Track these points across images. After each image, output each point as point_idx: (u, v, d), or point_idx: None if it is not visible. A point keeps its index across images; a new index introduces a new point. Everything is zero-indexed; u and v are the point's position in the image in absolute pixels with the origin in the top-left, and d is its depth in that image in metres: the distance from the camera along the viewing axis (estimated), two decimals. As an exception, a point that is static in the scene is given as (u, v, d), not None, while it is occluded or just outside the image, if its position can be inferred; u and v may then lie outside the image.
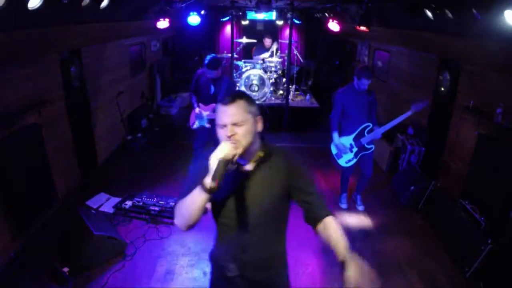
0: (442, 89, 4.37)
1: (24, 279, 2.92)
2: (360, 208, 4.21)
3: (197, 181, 1.42)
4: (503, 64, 3.25)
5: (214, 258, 1.76)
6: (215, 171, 1.33)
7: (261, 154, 1.56)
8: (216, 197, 1.48)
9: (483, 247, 3.05)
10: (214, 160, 1.35)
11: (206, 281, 3.06)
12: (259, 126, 1.53)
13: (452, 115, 4.19)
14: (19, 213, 3.21)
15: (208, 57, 4.04)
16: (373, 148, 3.88)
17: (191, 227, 1.47)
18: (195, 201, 1.40)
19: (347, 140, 3.84)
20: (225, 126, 1.44)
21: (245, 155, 1.49)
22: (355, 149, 3.85)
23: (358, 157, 3.88)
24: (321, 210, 1.56)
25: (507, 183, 3.19)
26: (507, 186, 3.19)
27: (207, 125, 4.31)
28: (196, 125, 4.44)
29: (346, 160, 3.90)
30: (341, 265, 1.38)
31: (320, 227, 1.54)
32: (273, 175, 1.55)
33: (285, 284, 1.79)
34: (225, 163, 1.34)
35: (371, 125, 3.79)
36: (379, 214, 4.15)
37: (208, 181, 1.35)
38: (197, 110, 4.32)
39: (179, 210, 1.49)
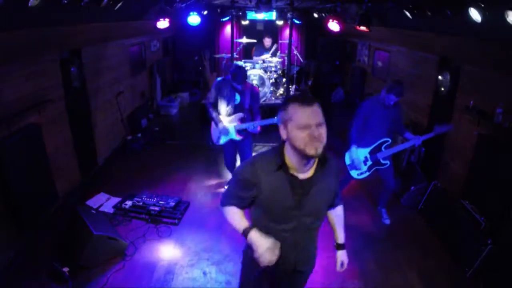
0: (442, 89, 4.37)
1: (24, 279, 2.92)
2: (387, 221, 4.02)
3: (243, 192, 1.59)
4: (503, 64, 3.25)
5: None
6: (257, 251, 1.49)
7: (318, 160, 1.56)
8: (277, 205, 1.54)
9: (483, 247, 3.05)
10: (262, 250, 1.48)
11: (206, 281, 3.07)
12: None
13: (452, 115, 4.19)
14: (19, 213, 3.21)
15: (234, 67, 3.72)
16: (388, 164, 3.72)
17: None
18: (237, 229, 1.63)
19: (363, 153, 3.71)
20: (308, 127, 1.38)
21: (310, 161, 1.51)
22: (369, 163, 3.72)
23: (371, 171, 3.76)
24: (337, 199, 1.88)
25: (507, 183, 3.19)
26: (507, 186, 3.19)
27: (238, 137, 3.92)
28: (222, 140, 3.99)
29: (358, 172, 3.79)
30: (335, 246, 1.97)
31: (331, 211, 1.92)
32: (328, 180, 1.61)
33: (311, 271, 1.95)
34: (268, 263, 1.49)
35: (390, 140, 3.66)
36: (379, 215, 4.15)
37: (250, 234, 1.54)
38: (221, 125, 3.85)
39: (226, 215, 1.70)
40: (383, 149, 3.66)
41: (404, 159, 4.92)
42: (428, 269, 3.31)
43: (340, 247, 1.95)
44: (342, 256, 1.95)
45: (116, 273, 3.08)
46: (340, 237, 1.95)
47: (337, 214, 1.92)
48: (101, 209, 3.99)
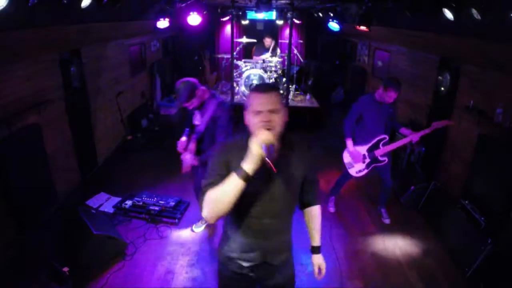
0: (442, 89, 4.37)
1: (24, 279, 2.93)
2: (386, 221, 4.02)
3: (222, 169, 1.52)
4: (503, 64, 3.25)
5: (227, 253, 1.74)
6: (256, 156, 1.36)
7: (284, 144, 1.61)
8: (251, 189, 1.48)
9: (483, 247, 3.06)
10: (255, 145, 1.37)
11: (206, 281, 3.07)
12: (286, 117, 1.57)
13: (452, 115, 4.19)
14: (19, 213, 3.21)
15: (178, 82, 2.96)
16: (386, 161, 3.73)
17: (218, 218, 1.49)
18: (231, 189, 1.41)
19: (361, 150, 3.72)
20: (260, 112, 1.47)
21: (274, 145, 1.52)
22: (367, 160, 3.73)
23: (369, 168, 3.77)
24: (315, 196, 1.84)
25: (507, 183, 3.19)
26: (507, 186, 3.19)
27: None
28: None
29: (357, 170, 3.80)
30: (311, 249, 1.88)
31: (307, 210, 1.86)
32: (297, 165, 1.63)
33: (292, 265, 1.90)
34: (267, 148, 1.37)
35: (387, 137, 3.66)
36: (379, 214, 4.15)
37: (247, 166, 1.38)
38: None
39: (209, 201, 1.46)
40: (380, 146, 3.67)
41: (404, 159, 4.92)
42: (428, 269, 3.31)
43: (315, 250, 1.88)
44: (318, 260, 1.87)
45: (116, 273, 3.08)
46: (316, 240, 1.88)
47: (312, 215, 1.85)
48: (101, 209, 3.99)
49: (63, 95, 4.06)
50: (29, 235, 3.36)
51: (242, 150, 1.44)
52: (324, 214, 4.16)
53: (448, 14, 3.00)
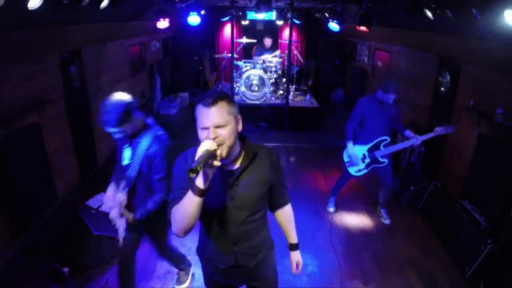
0: (442, 89, 4.37)
1: (24, 279, 2.92)
2: (387, 221, 4.03)
3: (184, 183, 1.47)
4: (503, 64, 3.25)
5: (203, 254, 1.78)
6: (199, 161, 1.26)
7: (244, 152, 1.58)
8: (207, 199, 1.46)
9: (483, 247, 3.05)
10: (198, 153, 1.31)
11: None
12: (240, 126, 1.52)
13: (452, 115, 4.19)
14: (19, 213, 3.21)
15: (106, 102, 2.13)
16: (386, 163, 3.72)
17: (188, 232, 1.47)
18: (189, 206, 1.39)
19: (361, 150, 3.72)
20: (206, 128, 1.40)
21: (229, 155, 1.50)
22: (367, 160, 3.73)
23: (369, 169, 3.77)
24: (283, 198, 1.82)
25: (507, 183, 3.19)
26: (507, 186, 3.19)
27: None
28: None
29: (356, 169, 3.80)
30: (289, 247, 1.92)
31: (278, 212, 1.86)
32: (259, 172, 1.60)
33: (273, 264, 1.90)
34: (209, 154, 1.30)
35: (388, 139, 3.66)
36: (379, 214, 4.15)
37: (198, 180, 1.35)
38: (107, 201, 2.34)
39: (174, 217, 1.47)
40: (381, 147, 3.67)
41: (404, 159, 4.92)
42: (428, 269, 3.31)
43: (293, 247, 1.93)
44: (296, 256, 1.93)
45: (116, 273, 3.08)
46: (292, 237, 1.92)
47: (284, 215, 1.87)
48: (101, 209, 3.98)
49: (63, 95, 4.06)
50: (29, 235, 3.36)
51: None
52: (324, 214, 4.17)
53: (449, 14, 3.01)
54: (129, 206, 2.27)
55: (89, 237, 3.03)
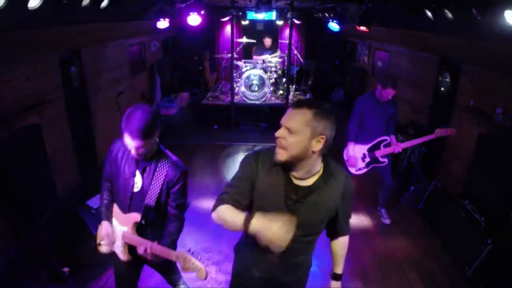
0: (442, 89, 4.37)
1: (24, 279, 2.92)
2: (387, 221, 4.04)
3: (247, 182, 1.49)
4: (503, 64, 3.25)
5: (242, 256, 1.76)
6: (265, 237, 1.25)
7: (322, 173, 1.50)
8: (266, 205, 1.45)
9: (483, 247, 3.06)
10: (270, 233, 1.25)
11: (206, 281, 3.06)
12: (318, 146, 1.37)
13: (452, 115, 4.19)
14: (19, 213, 3.21)
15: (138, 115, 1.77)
16: (386, 162, 3.73)
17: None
18: (238, 224, 1.37)
19: (361, 149, 3.72)
20: (280, 125, 1.39)
21: (298, 169, 1.44)
22: (367, 160, 3.74)
23: (369, 168, 3.77)
24: (344, 229, 1.73)
25: (507, 183, 3.19)
26: (507, 186, 3.19)
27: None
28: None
29: (356, 168, 3.80)
30: (332, 275, 1.87)
31: (335, 240, 1.79)
32: (330, 198, 1.53)
33: (304, 285, 1.87)
34: (270, 244, 1.26)
35: (388, 139, 3.67)
36: (379, 214, 4.15)
37: (254, 224, 1.30)
38: (105, 230, 2.12)
39: (220, 217, 1.45)
40: (381, 147, 3.67)
41: (404, 159, 4.92)
42: (428, 269, 3.31)
43: (336, 277, 1.86)
44: (337, 286, 1.86)
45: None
46: (340, 267, 1.85)
47: (342, 245, 1.79)
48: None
49: (63, 95, 4.06)
50: (29, 235, 3.36)
51: (271, 168, 1.44)
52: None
53: (449, 14, 3.01)
54: (143, 236, 2.05)
55: (89, 237, 3.02)
